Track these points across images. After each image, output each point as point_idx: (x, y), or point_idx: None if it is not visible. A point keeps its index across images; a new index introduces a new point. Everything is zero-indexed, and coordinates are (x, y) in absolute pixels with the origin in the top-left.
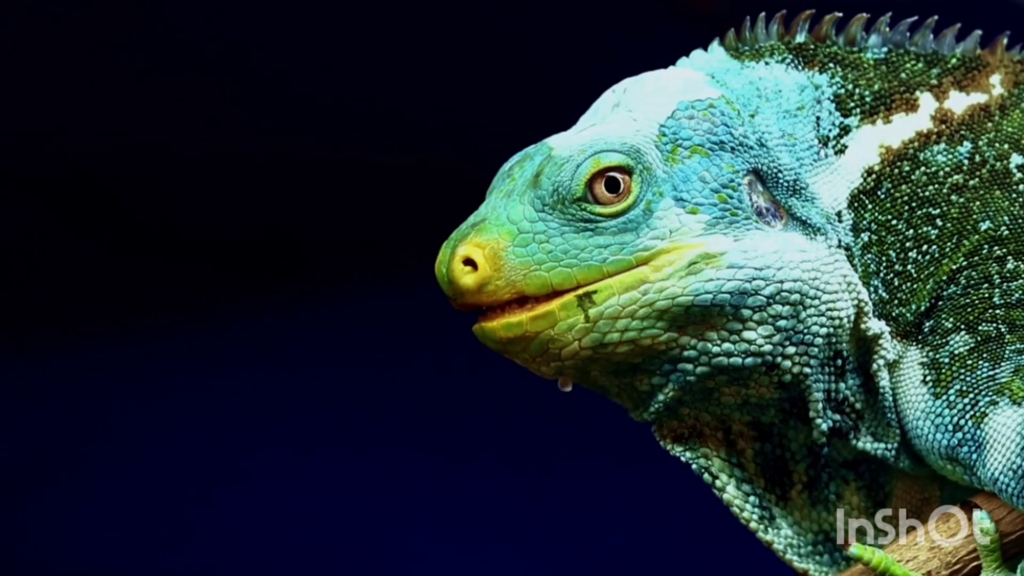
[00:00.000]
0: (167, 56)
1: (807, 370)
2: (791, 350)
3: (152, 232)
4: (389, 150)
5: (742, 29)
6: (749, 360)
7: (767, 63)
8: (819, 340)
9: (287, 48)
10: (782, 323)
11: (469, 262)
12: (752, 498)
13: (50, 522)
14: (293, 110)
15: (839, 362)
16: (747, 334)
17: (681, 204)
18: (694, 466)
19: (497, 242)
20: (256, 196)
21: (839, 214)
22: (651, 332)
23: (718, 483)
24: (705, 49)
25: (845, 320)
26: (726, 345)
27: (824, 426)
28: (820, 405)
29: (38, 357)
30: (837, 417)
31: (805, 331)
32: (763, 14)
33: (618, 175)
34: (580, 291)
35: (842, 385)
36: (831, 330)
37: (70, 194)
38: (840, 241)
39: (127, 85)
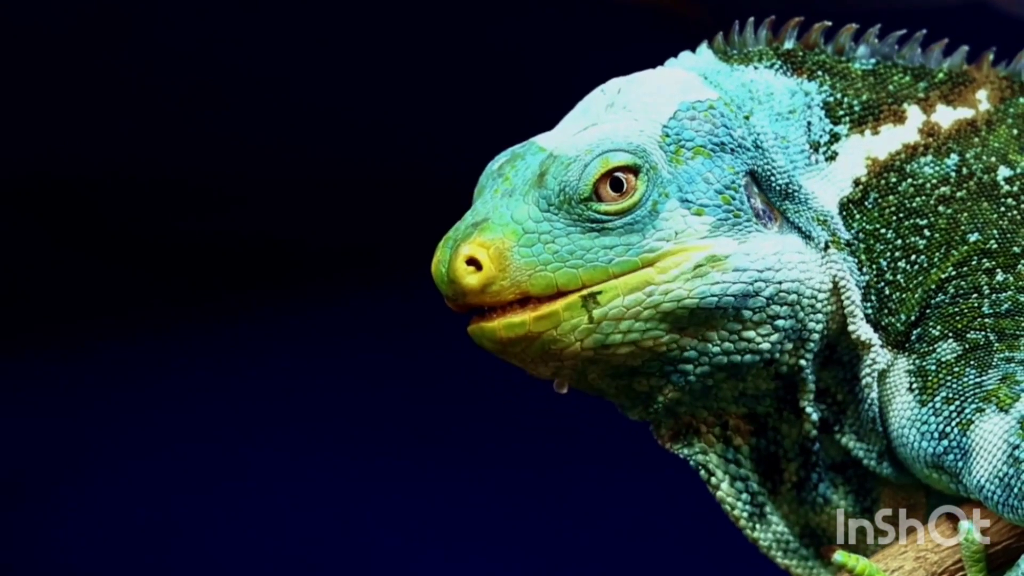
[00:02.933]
0: (155, 67)
1: (803, 363)
2: (788, 346)
3: (138, 241)
4: (375, 160)
5: (730, 33)
6: (748, 357)
7: (756, 67)
8: (815, 336)
9: (274, 60)
10: (780, 323)
11: (472, 262)
12: (745, 495)
13: (31, 532)
14: (280, 121)
15: (827, 352)
16: (747, 333)
17: (686, 205)
18: (692, 462)
19: (502, 241)
20: (243, 206)
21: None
22: (653, 334)
23: (713, 480)
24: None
25: (836, 316)
26: (726, 344)
27: (815, 416)
28: (811, 395)
29: (22, 366)
30: (822, 407)
31: (802, 328)
32: (752, 19)
33: (623, 175)
34: (585, 291)
35: (825, 373)
36: (825, 325)
37: (57, 203)
38: (833, 241)
39: (115, 95)
